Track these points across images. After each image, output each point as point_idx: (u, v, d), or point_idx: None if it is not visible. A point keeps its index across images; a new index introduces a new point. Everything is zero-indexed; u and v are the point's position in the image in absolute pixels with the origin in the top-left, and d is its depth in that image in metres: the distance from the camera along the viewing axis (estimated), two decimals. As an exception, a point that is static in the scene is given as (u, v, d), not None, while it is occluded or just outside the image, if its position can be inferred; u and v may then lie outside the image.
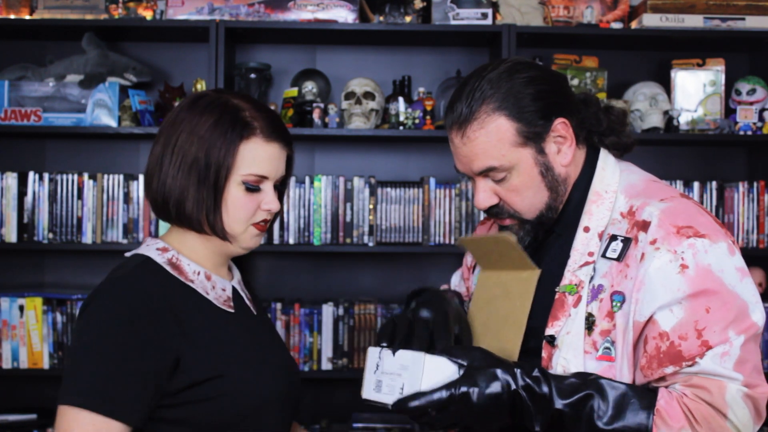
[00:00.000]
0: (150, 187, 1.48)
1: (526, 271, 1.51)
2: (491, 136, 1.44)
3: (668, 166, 3.33)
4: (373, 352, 1.42)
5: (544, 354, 1.44)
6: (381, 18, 3.11)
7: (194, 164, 1.43)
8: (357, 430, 3.07)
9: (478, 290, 1.61)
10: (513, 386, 1.33)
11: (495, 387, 1.32)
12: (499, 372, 1.33)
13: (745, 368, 1.36)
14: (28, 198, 3.08)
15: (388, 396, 1.36)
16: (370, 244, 3.12)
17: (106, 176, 3.10)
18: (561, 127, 1.48)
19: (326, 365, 3.11)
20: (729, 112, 3.21)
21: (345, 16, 3.09)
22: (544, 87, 1.47)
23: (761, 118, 3.12)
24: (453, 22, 3.06)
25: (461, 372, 1.34)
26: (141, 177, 3.11)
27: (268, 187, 1.48)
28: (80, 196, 3.09)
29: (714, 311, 1.35)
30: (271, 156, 1.47)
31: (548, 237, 1.54)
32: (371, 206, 3.13)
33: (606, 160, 1.54)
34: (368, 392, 1.40)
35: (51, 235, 3.08)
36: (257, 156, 1.45)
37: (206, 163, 1.43)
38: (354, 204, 3.14)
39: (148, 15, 3.10)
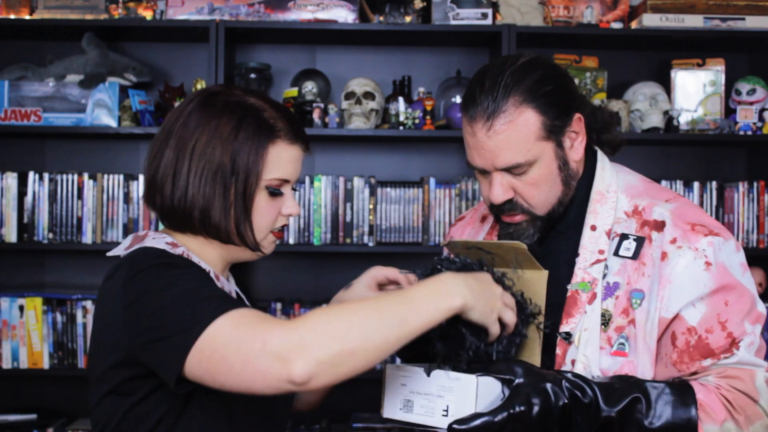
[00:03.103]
0: (161, 194, 1.37)
1: (527, 271, 1.47)
2: (519, 130, 1.43)
3: (668, 166, 3.33)
4: (395, 370, 1.35)
5: (558, 351, 1.45)
6: (381, 18, 3.11)
7: (219, 171, 1.34)
8: (357, 430, 3.07)
9: None
10: (563, 399, 1.32)
11: (548, 402, 1.31)
12: (549, 386, 1.32)
13: (762, 355, 1.45)
14: (28, 198, 3.08)
15: (424, 417, 1.31)
16: (370, 244, 3.12)
17: (106, 176, 3.10)
18: (576, 122, 1.49)
19: (326, 365, 3.11)
20: (729, 112, 3.21)
21: (345, 16, 3.09)
22: (561, 81, 1.49)
23: (761, 118, 3.12)
24: (453, 22, 3.06)
25: (506, 389, 1.32)
26: (141, 177, 3.11)
27: (288, 191, 1.42)
28: (80, 196, 3.09)
29: (732, 304, 1.42)
30: (294, 159, 1.41)
31: (548, 235, 1.54)
32: (371, 206, 3.13)
33: (603, 160, 1.56)
34: (392, 411, 1.35)
35: (51, 235, 3.08)
36: (282, 160, 1.38)
37: (233, 170, 1.34)
38: (354, 204, 3.14)
39: (148, 15, 3.10)
